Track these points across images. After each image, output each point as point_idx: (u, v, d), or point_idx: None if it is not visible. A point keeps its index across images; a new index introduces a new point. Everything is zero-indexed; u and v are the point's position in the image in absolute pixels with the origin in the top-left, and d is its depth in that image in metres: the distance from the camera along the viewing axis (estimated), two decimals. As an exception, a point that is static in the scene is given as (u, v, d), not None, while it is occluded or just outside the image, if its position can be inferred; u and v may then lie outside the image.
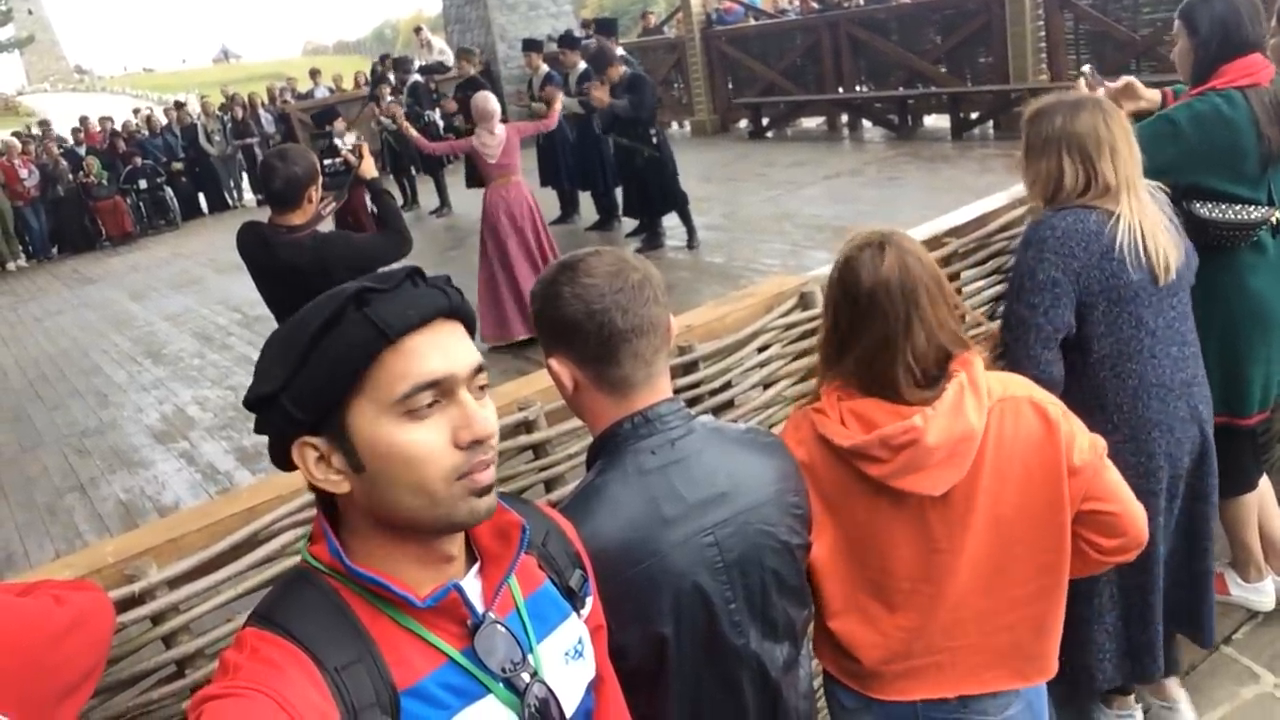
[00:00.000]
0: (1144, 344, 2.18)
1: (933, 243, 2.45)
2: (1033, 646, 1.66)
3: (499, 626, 1.06)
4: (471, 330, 1.08)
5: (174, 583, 1.52)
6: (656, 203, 8.30)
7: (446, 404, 1.00)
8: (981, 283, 2.55)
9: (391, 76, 13.46)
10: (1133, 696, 2.70)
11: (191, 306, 9.94)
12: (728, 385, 2.11)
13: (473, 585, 1.09)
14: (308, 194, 3.58)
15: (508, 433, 1.84)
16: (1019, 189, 2.80)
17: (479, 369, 1.03)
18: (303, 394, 0.99)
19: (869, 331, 1.55)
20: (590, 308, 1.34)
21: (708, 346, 2.07)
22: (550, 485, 1.90)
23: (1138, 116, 2.68)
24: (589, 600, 1.24)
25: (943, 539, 1.58)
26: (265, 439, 1.04)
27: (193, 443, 6.21)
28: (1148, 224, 2.14)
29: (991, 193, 2.87)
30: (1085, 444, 1.61)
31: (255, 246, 3.69)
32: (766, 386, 2.19)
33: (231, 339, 8.43)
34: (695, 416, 1.47)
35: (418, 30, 17.82)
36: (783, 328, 2.19)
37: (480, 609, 1.06)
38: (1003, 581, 1.62)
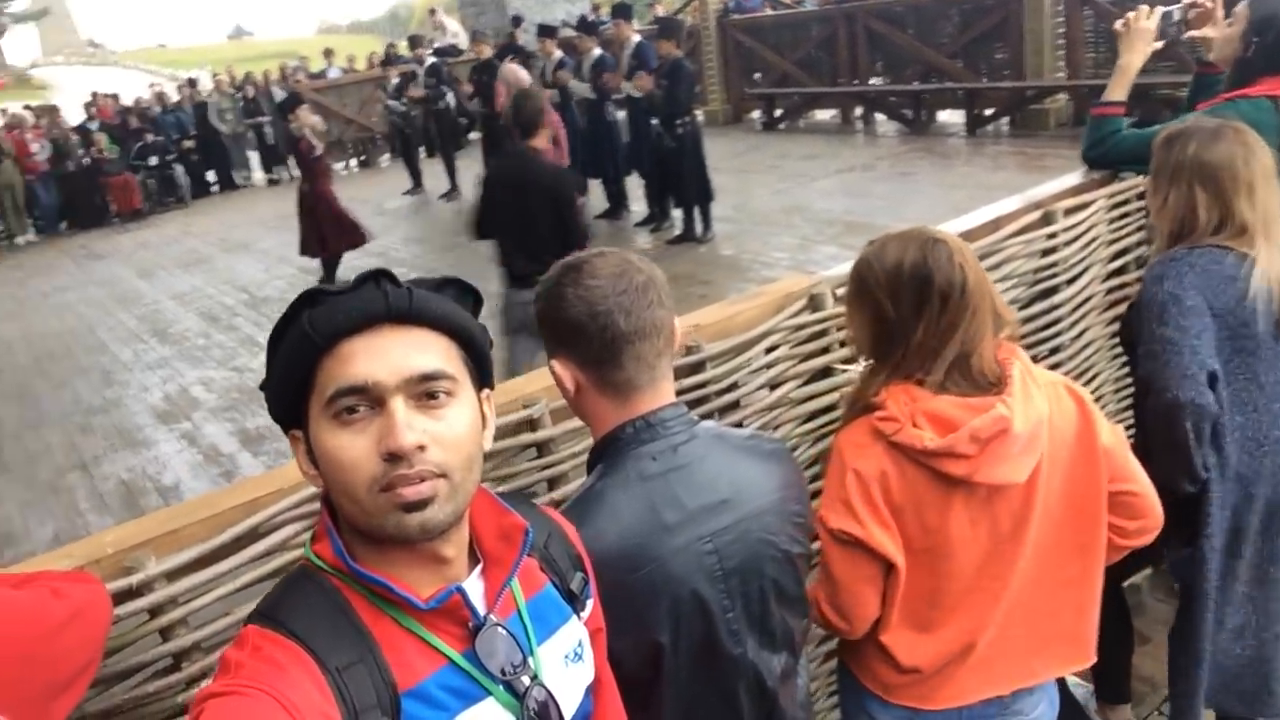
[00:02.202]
0: (1253, 398, 2.08)
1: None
2: (1075, 629, 1.69)
3: (500, 629, 1.06)
4: (463, 334, 1.06)
5: (172, 575, 1.51)
6: (672, 192, 8.28)
7: (378, 411, 0.98)
8: (995, 288, 2.52)
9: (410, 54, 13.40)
10: (1129, 706, 2.69)
11: (199, 286, 9.95)
12: (734, 386, 2.09)
13: (475, 587, 1.08)
14: (544, 122, 4.70)
15: (510, 430, 1.83)
16: (1034, 191, 2.79)
17: (426, 377, 0.99)
18: (275, 391, 1.05)
19: (971, 314, 1.55)
20: (593, 309, 1.33)
21: (715, 346, 2.05)
22: (553, 484, 1.88)
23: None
24: (589, 603, 1.23)
25: (1008, 529, 1.59)
26: (268, 422, 1.06)
27: (195, 424, 6.21)
28: None
29: (1005, 190, 2.85)
30: (1108, 426, 1.65)
31: (511, 167, 4.70)
32: (773, 388, 2.17)
33: (238, 319, 8.43)
34: (698, 421, 1.45)
35: (432, 12, 17.76)
36: (792, 329, 2.16)
37: (482, 611, 1.06)
38: (1050, 566, 1.63)
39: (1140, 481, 1.68)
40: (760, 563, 1.42)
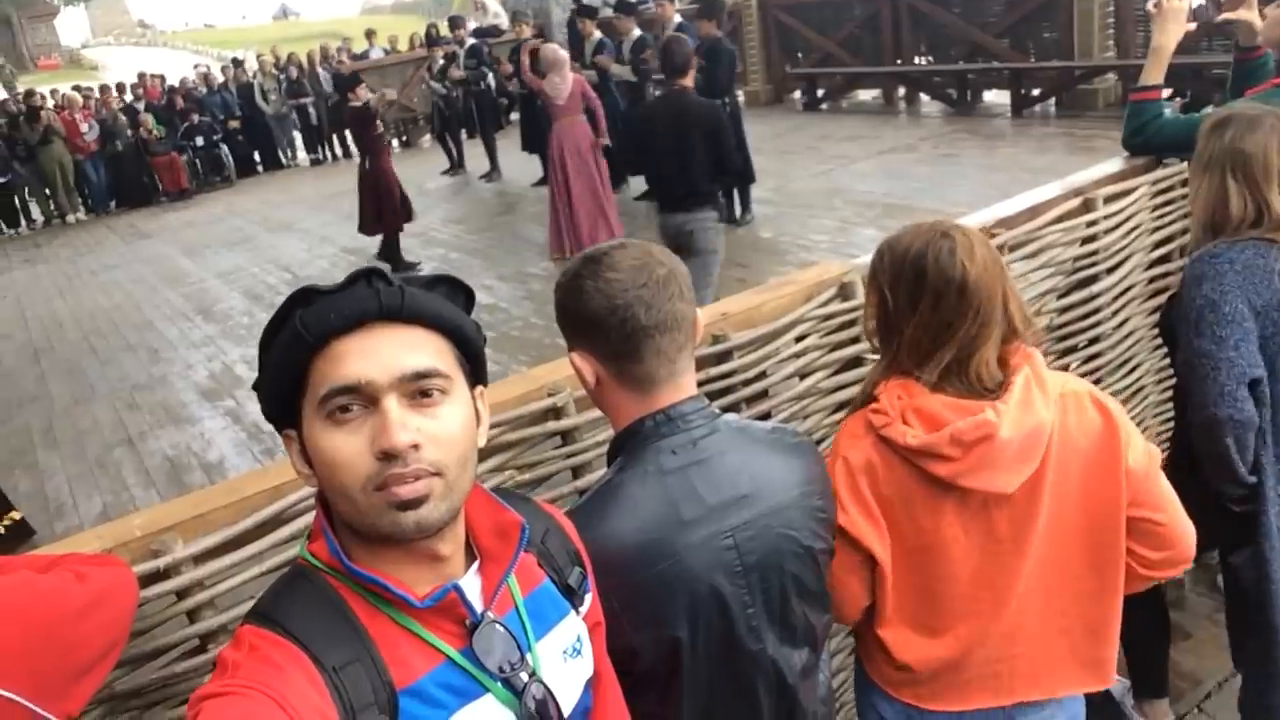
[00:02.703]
0: None
1: (982, 234, 2.38)
2: (1089, 651, 1.63)
3: (497, 626, 1.06)
4: (456, 331, 1.06)
5: (199, 558, 1.54)
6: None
7: (371, 411, 0.98)
8: (1032, 275, 2.47)
9: (451, 34, 13.43)
10: (1166, 700, 2.65)
11: (242, 265, 10.06)
12: (762, 375, 2.08)
13: (472, 584, 1.08)
14: (693, 63, 5.25)
15: (536, 418, 1.83)
16: (1074, 177, 2.73)
17: (419, 375, 0.99)
18: (268, 390, 1.05)
19: (972, 316, 1.50)
20: (613, 302, 1.31)
21: (743, 335, 2.03)
22: (578, 472, 1.88)
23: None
24: (588, 597, 1.23)
25: (1007, 540, 1.55)
26: None
27: (239, 401, 6.30)
28: None
29: (1050, 173, 2.78)
30: (1140, 447, 1.57)
31: (666, 104, 5.27)
32: (802, 378, 2.15)
33: (279, 299, 8.35)
34: (720, 415, 1.44)
35: (474, -8, 17.77)
36: (821, 318, 2.14)
37: (479, 608, 1.06)
38: (1060, 582, 1.59)
39: (1168, 511, 1.58)
40: (781, 558, 1.40)
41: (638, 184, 9.67)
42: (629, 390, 1.37)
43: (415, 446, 0.97)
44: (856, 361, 2.18)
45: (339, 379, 0.97)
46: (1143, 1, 9.70)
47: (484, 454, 1.79)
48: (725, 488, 1.37)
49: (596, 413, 1.86)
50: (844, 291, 2.16)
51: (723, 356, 2.00)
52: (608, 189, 8.30)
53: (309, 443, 1.01)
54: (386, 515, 0.98)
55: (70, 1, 56.98)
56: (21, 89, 17.39)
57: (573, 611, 1.19)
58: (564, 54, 8.25)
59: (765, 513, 1.39)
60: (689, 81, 5.20)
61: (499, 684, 1.05)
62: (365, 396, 0.98)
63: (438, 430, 0.99)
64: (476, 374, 1.10)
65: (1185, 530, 1.60)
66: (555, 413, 1.84)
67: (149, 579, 1.48)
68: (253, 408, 6.13)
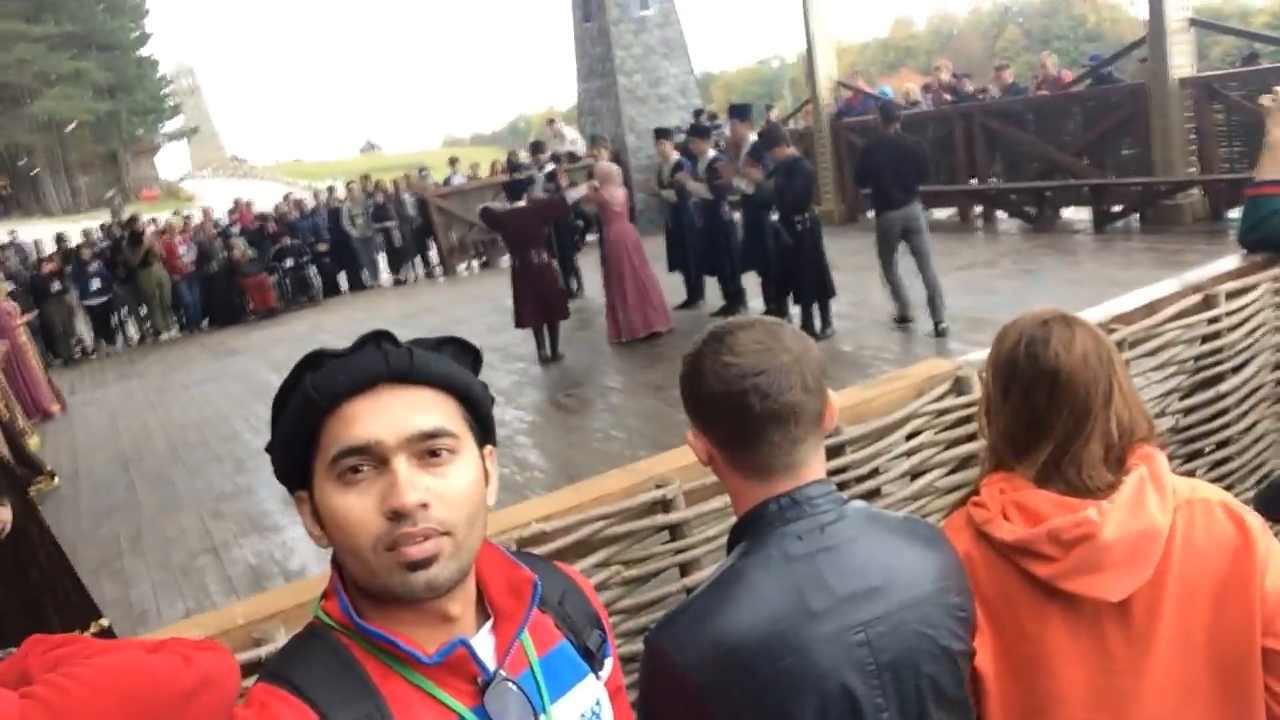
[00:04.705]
0: None
1: (1093, 326, 2.29)
2: None
3: (510, 685, 1.04)
4: (463, 392, 1.07)
5: (300, 650, 1.48)
6: (791, 289, 8.28)
7: (381, 471, 0.99)
8: (1152, 374, 2.36)
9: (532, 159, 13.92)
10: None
11: (326, 379, 10.23)
12: (874, 473, 1.99)
13: (484, 642, 1.07)
14: (898, 119, 8.01)
15: (643, 511, 1.77)
16: (1192, 274, 2.63)
17: (427, 435, 1.00)
18: (281, 454, 1.07)
19: (1068, 411, 1.40)
20: (729, 389, 1.26)
21: (854, 430, 1.96)
22: (685, 569, 1.81)
23: None
24: (608, 662, 1.20)
25: (1123, 659, 1.39)
26: None
27: (320, 511, 6.31)
28: None
29: (1139, 285, 2.67)
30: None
31: (886, 143, 7.81)
32: (915, 477, 2.06)
33: (362, 412, 8.62)
34: (848, 501, 1.36)
35: (551, 121, 18.47)
36: (934, 414, 2.06)
37: (491, 666, 1.04)
38: (1189, 713, 1.40)
39: None
40: (917, 658, 1.29)
41: (714, 299, 9.79)
42: (742, 476, 1.31)
43: (424, 505, 0.98)
44: (974, 459, 2.08)
45: (349, 440, 0.99)
46: (1224, 115, 9.66)
47: (589, 548, 1.73)
48: (855, 578, 1.28)
49: (707, 506, 1.79)
50: (958, 386, 2.09)
51: (835, 450, 1.92)
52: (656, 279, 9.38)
53: (320, 503, 1.02)
54: (397, 575, 0.98)
55: (171, 138, 60.89)
56: (125, 216, 18.39)
57: (591, 674, 1.15)
58: (616, 168, 9.55)
59: (899, 607, 1.29)
60: (896, 127, 7.81)
61: None
62: (375, 457, 0.99)
63: (446, 489, 1.00)
64: (485, 434, 1.10)
65: None
66: (664, 505, 1.78)
67: (250, 668, 1.43)
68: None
